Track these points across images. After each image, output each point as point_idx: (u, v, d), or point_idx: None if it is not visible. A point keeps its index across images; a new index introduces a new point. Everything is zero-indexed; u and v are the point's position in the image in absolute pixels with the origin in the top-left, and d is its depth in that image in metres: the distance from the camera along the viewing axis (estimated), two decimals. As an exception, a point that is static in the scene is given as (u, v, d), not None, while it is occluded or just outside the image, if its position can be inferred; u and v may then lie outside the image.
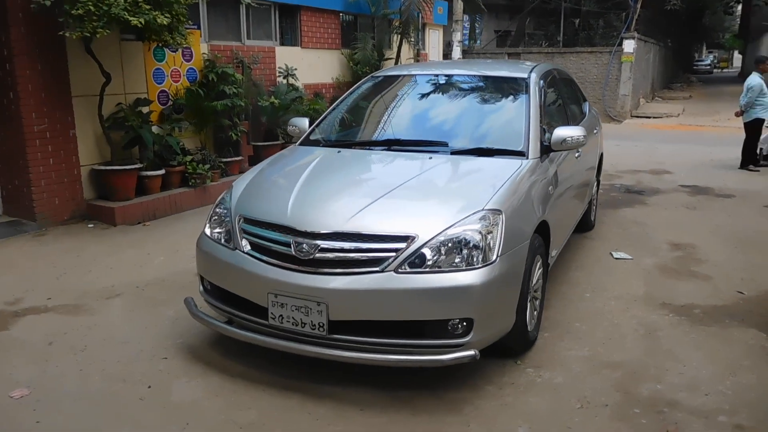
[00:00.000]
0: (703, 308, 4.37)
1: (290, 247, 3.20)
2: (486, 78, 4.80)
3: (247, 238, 3.40)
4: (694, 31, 43.77)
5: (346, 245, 3.14)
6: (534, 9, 23.01)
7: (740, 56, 55.86)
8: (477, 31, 22.75)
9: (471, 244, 3.12)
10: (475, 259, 3.10)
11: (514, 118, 4.21)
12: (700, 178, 9.17)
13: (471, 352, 3.06)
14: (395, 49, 12.02)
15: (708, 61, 53.82)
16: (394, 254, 3.08)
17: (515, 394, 3.25)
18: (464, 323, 3.08)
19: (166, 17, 5.83)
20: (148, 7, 5.71)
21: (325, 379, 3.36)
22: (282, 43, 9.78)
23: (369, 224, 3.19)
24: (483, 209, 3.24)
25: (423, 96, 4.66)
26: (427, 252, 3.08)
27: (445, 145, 4.07)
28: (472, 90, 4.70)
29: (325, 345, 3.15)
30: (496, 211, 3.26)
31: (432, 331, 3.10)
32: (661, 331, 4.01)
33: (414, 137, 4.26)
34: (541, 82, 4.56)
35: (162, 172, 7.13)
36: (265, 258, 3.27)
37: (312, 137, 4.53)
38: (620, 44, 18.86)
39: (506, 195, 3.41)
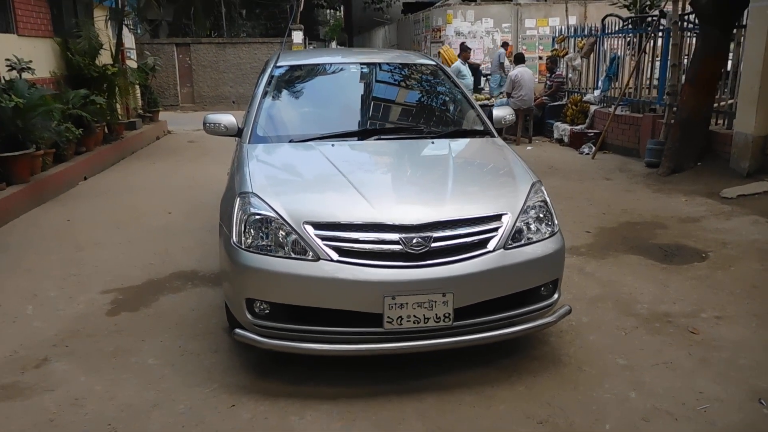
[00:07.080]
0: (576, 248, 5.43)
1: (399, 244, 3.06)
2: (405, 66, 4.95)
3: (330, 246, 3.08)
4: (304, 23, 48.54)
5: (454, 232, 3.15)
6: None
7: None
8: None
9: (544, 213, 3.46)
10: (550, 225, 3.45)
11: (458, 100, 4.58)
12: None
13: (567, 307, 3.45)
14: (108, 38, 10.68)
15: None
16: (495, 233, 3.22)
17: (576, 339, 3.74)
18: (551, 285, 3.43)
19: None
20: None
21: (425, 373, 3.33)
22: (-3, 30, 7.90)
23: (465, 208, 3.27)
24: (533, 181, 3.60)
25: (360, 85, 4.64)
26: (522, 226, 3.32)
27: (421, 131, 4.22)
28: (402, 77, 4.84)
29: (451, 334, 3.14)
30: (540, 182, 3.66)
31: (529, 298, 3.36)
32: (585, 268, 4.94)
33: (381, 125, 4.27)
34: (444, 67, 4.99)
35: None
36: (371, 262, 3.05)
37: (259, 133, 4.11)
38: (289, 35, 19.98)
39: (527, 166, 3.83)
